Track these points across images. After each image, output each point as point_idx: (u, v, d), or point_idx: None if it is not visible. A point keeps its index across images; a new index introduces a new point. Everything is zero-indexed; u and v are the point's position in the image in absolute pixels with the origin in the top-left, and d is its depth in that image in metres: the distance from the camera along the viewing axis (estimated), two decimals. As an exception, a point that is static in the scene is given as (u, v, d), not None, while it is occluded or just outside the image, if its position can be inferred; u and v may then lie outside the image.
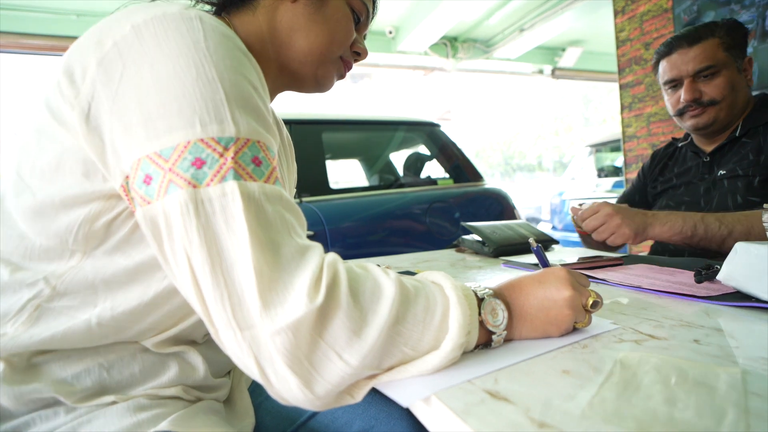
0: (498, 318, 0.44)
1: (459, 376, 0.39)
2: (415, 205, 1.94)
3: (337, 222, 1.74)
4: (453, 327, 0.40)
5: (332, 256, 0.39)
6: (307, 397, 0.35)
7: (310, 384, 0.35)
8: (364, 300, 0.37)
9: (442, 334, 0.40)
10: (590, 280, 0.79)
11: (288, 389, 0.35)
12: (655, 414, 0.32)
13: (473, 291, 0.44)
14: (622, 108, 2.51)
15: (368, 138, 2.48)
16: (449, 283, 0.43)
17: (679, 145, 1.19)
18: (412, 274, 0.49)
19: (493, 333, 0.44)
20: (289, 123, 1.91)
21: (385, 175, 2.46)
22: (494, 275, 0.90)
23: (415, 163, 2.31)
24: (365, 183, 2.57)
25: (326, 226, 1.69)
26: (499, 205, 2.17)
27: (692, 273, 0.76)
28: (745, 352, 0.42)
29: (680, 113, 1.06)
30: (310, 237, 1.70)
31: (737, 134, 1.01)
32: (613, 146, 3.79)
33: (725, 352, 0.42)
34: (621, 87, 2.54)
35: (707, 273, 0.70)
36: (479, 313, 0.43)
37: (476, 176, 2.21)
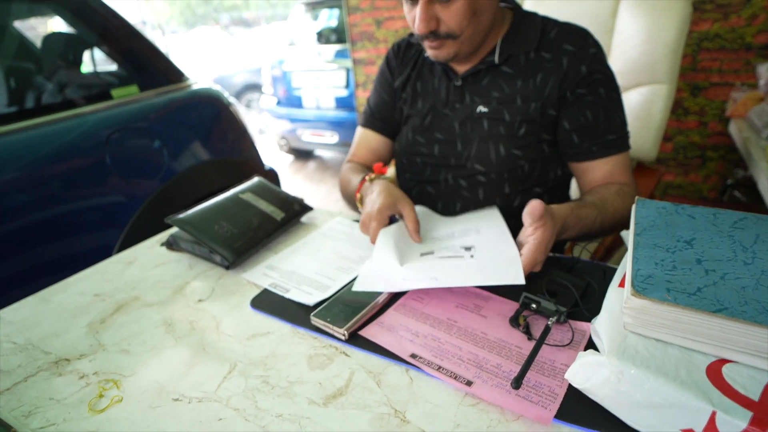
0: None
1: None
2: (79, 143, 1.21)
3: None
4: None
5: None
6: None
7: None
8: None
9: None
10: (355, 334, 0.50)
11: None
12: None
13: None
14: (343, -29, 2.12)
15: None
16: None
17: (425, 54, 0.93)
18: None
19: None
20: None
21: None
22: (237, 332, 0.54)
23: (64, 56, 1.42)
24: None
25: None
26: (213, 110, 1.62)
27: (511, 304, 0.59)
28: None
29: (419, 38, 0.81)
30: None
31: (496, 61, 0.83)
32: (332, 5, 3.43)
33: None
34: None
35: (528, 329, 0.53)
36: None
37: (174, 74, 1.53)
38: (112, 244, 1.29)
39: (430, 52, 0.82)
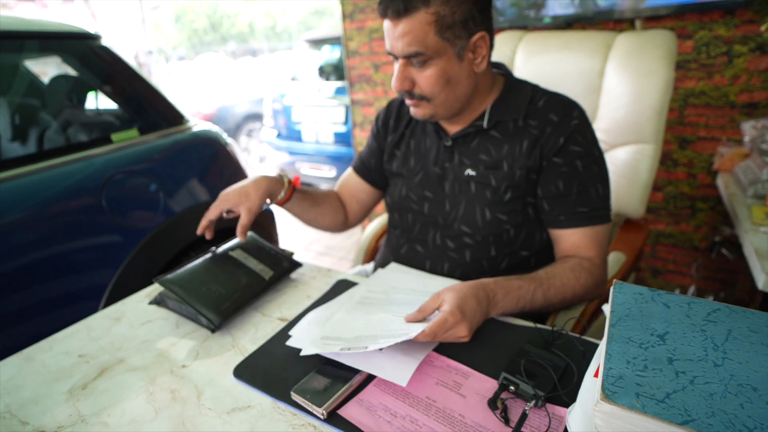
0: None
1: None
2: (78, 187, 1.23)
3: None
4: None
5: None
6: None
7: None
8: None
9: None
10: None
11: None
12: None
13: None
14: (344, 16, 2.20)
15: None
16: None
17: None
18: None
19: None
20: None
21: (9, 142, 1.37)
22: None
23: (67, 98, 1.47)
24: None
25: None
26: (210, 151, 1.65)
27: (491, 382, 0.59)
28: None
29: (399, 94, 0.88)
30: None
31: (484, 125, 0.86)
32: (334, 41, 3.54)
33: None
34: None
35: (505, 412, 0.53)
36: None
37: (175, 117, 1.57)
38: (104, 284, 1.29)
39: (411, 110, 0.86)
